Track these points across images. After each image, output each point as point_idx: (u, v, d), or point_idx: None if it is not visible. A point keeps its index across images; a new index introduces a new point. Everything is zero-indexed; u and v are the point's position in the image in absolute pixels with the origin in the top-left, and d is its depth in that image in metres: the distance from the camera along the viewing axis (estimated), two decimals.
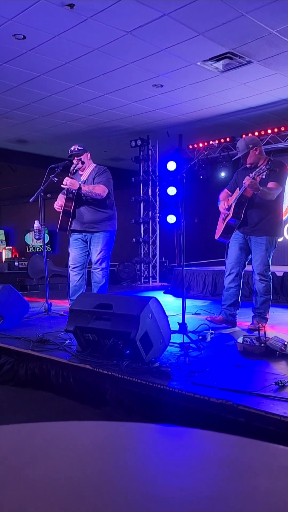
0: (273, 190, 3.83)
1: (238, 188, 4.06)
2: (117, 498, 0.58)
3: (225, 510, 0.56)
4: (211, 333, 3.71)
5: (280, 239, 4.13)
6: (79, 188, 4.47)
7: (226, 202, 4.13)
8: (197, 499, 0.58)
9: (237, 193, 4.03)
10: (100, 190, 4.52)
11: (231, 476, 0.65)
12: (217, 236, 4.20)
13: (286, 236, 8.94)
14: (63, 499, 0.58)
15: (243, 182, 3.79)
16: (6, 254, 14.45)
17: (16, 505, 0.56)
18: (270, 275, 4.04)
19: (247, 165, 4.07)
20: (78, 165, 4.66)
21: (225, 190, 4.31)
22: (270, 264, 4.01)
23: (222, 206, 4.14)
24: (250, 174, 3.74)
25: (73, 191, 4.53)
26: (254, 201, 3.93)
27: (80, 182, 4.58)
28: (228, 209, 4.06)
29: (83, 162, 4.69)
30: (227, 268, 4.20)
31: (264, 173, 3.69)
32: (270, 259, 4.02)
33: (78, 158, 4.67)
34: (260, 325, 3.88)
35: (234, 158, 4.22)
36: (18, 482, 0.62)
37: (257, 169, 3.72)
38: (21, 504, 0.56)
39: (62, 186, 4.54)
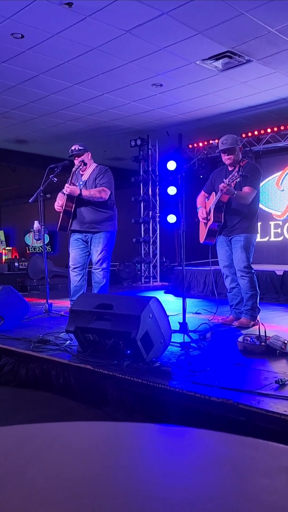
0: (248, 194, 4.06)
1: (214, 193, 4.24)
2: (118, 498, 0.58)
3: (226, 510, 0.55)
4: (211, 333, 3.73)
5: (257, 238, 4.38)
6: (80, 194, 4.49)
7: (204, 209, 4.33)
8: (198, 498, 0.58)
9: (213, 197, 4.22)
10: (102, 193, 4.53)
11: (231, 475, 0.65)
12: (201, 240, 4.37)
13: (286, 235, 8.95)
14: (64, 499, 0.57)
15: (219, 187, 3.98)
16: (6, 255, 14.46)
17: (17, 506, 0.56)
18: (253, 271, 4.19)
19: (227, 160, 4.21)
20: (80, 167, 4.65)
21: (202, 192, 4.49)
22: (250, 261, 4.18)
23: (200, 214, 4.35)
24: (224, 180, 3.95)
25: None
26: (231, 204, 4.14)
27: (80, 187, 4.58)
28: (207, 216, 4.26)
29: (85, 164, 4.68)
30: (222, 272, 4.42)
31: (238, 179, 3.91)
32: (251, 256, 4.19)
33: (81, 159, 4.65)
34: (259, 323, 3.90)
35: (218, 150, 4.33)
36: (19, 483, 0.62)
37: (230, 176, 3.93)
38: (22, 505, 0.56)
39: (64, 191, 4.55)
